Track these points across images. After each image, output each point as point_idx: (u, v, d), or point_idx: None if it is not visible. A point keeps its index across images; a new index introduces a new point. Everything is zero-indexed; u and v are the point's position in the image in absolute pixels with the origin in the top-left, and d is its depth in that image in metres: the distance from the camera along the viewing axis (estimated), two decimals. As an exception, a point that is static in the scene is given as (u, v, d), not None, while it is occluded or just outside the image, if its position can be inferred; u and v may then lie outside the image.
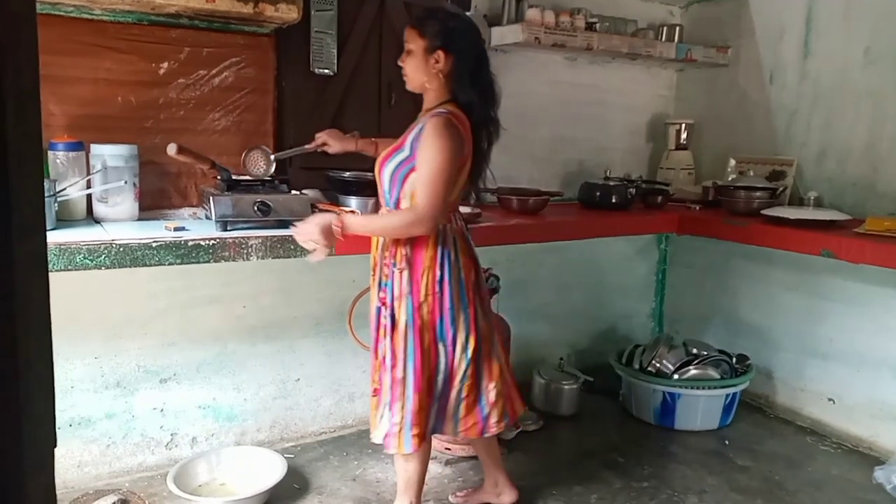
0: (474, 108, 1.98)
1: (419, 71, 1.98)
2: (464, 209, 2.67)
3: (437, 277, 1.97)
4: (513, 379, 2.24)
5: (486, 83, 2.01)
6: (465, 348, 2.02)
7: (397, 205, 2.00)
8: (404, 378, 1.99)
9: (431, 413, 2.05)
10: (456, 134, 1.90)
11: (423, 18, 1.99)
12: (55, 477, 0.49)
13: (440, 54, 1.94)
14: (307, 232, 1.95)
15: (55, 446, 0.44)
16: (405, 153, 1.95)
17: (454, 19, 1.99)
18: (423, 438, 2.03)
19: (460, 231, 2.06)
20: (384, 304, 2.03)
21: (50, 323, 0.44)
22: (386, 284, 2.02)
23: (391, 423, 2.02)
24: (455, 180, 1.95)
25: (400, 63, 2.02)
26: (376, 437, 2.07)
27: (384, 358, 2.03)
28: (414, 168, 1.92)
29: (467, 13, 2.76)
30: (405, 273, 1.98)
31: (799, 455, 2.90)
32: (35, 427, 0.42)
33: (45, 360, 0.43)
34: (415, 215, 1.90)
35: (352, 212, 2.17)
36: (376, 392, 2.08)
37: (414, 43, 1.97)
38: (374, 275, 2.09)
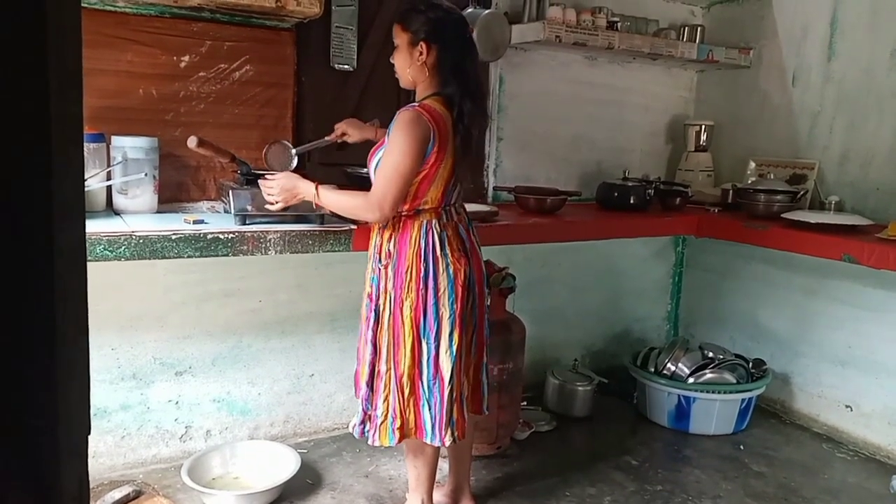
0: (454, 101, 1.93)
1: (405, 65, 1.97)
2: (481, 207, 2.67)
3: (422, 274, 1.95)
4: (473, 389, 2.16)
5: (469, 75, 1.96)
6: (449, 346, 1.98)
7: None
8: (388, 371, 2.00)
9: (422, 411, 2.01)
10: (420, 128, 1.86)
11: (406, 11, 1.97)
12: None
13: (423, 46, 1.92)
14: (272, 189, 2.03)
15: (89, 433, 0.44)
16: (385, 148, 1.95)
17: (437, 10, 1.95)
18: (406, 434, 2.02)
19: (454, 227, 2.02)
20: (370, 298, 2.05)
21: (87, 310, 0.43)
22: (373, 279, 2.04)
23: (374, 416, 2.03)
24: (411, 173, 1.89)
25: (391, 60, 2.01)
26: (351, 426, 2.10)
27: (369, 351, 2.04)
28: None
29: (488, 10, 2.73)
30: (389, 268, 1.98)
31: (815, 462, 2.87)
32: (71, 414, 0.41)
33: (82, 347, 0.42)
34: (367, 202, 1.91)
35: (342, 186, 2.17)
36: (357, 384, 2.11)
37: (399, 37, 1.96)
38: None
